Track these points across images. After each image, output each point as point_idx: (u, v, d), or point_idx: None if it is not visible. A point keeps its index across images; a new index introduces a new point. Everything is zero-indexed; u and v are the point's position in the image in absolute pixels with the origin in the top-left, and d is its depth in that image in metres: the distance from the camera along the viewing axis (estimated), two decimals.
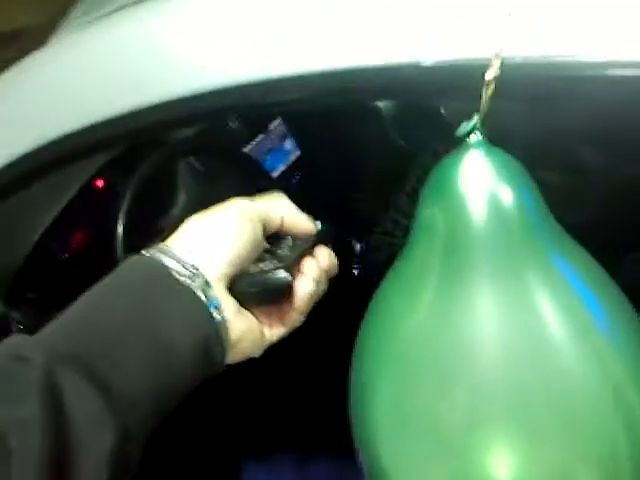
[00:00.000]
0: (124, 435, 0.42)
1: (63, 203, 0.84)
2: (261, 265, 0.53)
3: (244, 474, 0.94)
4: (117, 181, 0.88)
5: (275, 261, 0.53)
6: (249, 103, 0.58)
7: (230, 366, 0.52)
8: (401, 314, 0.52)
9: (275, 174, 1.02)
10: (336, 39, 0.51)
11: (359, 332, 0.56)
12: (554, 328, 0.48)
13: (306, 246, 0.56)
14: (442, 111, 0.76)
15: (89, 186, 0.89)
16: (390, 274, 0.55)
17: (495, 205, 0.48)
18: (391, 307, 0.53)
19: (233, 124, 0.98)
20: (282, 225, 0.56)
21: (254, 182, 0.97)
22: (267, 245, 0.56)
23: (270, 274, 0.51)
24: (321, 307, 0.56)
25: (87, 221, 0.92)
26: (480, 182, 0.48)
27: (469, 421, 0.48)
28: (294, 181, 1.04)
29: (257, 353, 0.53)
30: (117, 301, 0.47)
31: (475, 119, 0.47)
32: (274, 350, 0.55)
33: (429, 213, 0.50)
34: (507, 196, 0.48)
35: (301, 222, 0.57)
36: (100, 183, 0.91)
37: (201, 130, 0.93)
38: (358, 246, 1.00)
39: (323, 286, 0.56)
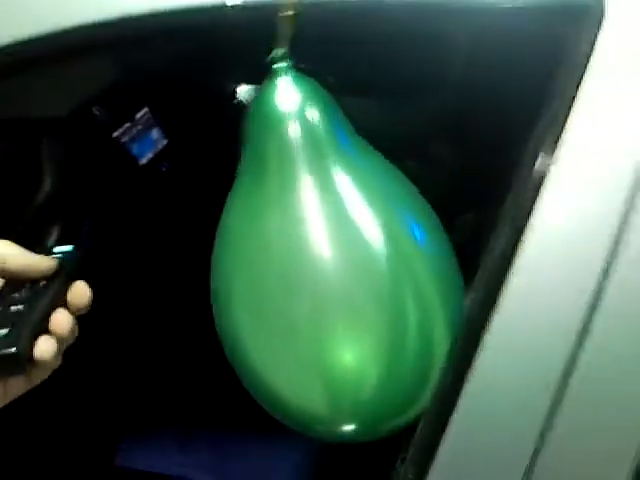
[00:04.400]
0: None
1: None
2: None
3: (122, 455, 0.99)
4: None
5: (7, 327, 0.49)
6: None
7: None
8: (242, 226, 0.65)
9: (142, 161, 1.11)
10: None
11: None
12: (362, 223, 0.62)
13: (50, 291, 0.52)
14: None
15: None
16: (232, 193, 0.66)
17: (303, 121, 0.61)
18: (235, 221, 0.66)
19: (98, 112, 1.06)
20: (9, 271, 0.52)
21: (120, 168, 1.05)
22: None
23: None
24: None
25: None
26: (289, 101, 0.61)
27: (311, 311, 0.62)
28: (163, 169, 1.13)
29: None
30: None
31: (279, 50, 0.58)
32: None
33: (252, 133, 0.62)
34: (312, 113, 0.61)
35: (32, 262, 0.52)
36: None
37: (65, 115, 1.01)
38: None
39: (75, 334, 0.53)
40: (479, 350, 0.60)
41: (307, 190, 0.62)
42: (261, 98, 0.61)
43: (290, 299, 0.63)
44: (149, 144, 1.12)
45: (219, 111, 1.08)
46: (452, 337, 0.65)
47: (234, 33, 0.65)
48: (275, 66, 0.60)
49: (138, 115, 1.10)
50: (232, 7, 0.59)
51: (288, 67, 0.60)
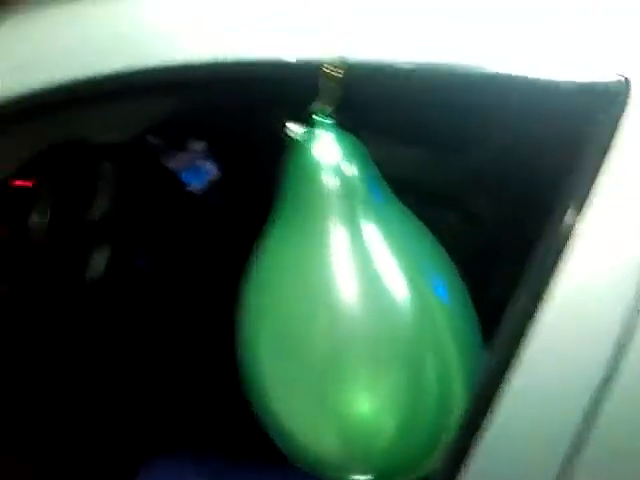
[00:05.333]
0: None
1: None
2: None
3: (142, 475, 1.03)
4: (38, 180, 1.02)
5: None
6: None
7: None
8: (271, 271, 0.69)
9: (191, 190, 1.17)
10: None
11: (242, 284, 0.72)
12: (390, 278, 0.65)
13: None
14: None
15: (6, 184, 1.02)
16: (265, 233, 0.71)
17: (339, 174, 0.65)
18: (266, 261, 0.70)
19: (152, 140, 1.13)
20: None
21: (169, 192, 1.12)
22: None
23: None
24: None
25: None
26: (327, 154, 0.65)
27: (332, 359, 0.66)
28: (215, 200, 1.19)
29: None
30: None
31: (318, 104, 0.63)
32: None
33: (288, 179, 0.67)
34: (348, 167, 0.65)
35: None
36: (20, 182, 1.04)
37: (123, 141, 1.09)
38: None
39: None
40: (495, 407, 0.61)
41: (337, 241, 0.65)
42: (300, 148, 0.65)
43: (312, 346, 0.66)
44: (201, 174, 1.18)
45: (271, 149, 1.13)
46: (469, 394, 0.66)
47: (287, 83, 0.71)
48: (315, 118, 0.65)
49: (192, 146, 1.16)
50: (284, 62, 0.64)
51: (328, 121, 0.65)
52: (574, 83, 0.61)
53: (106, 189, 1.05)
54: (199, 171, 1.17)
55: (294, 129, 0.68)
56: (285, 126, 0.68)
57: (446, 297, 0.68)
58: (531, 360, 0.60)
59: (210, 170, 1.18)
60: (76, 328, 1.00)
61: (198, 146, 1.16)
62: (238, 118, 1.02)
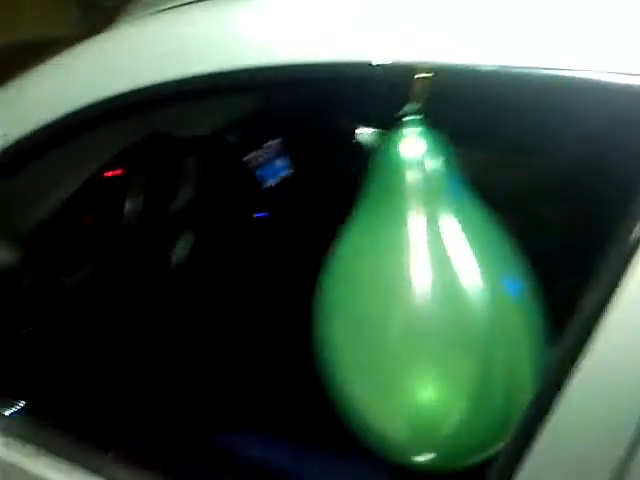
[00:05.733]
0: None
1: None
2: None
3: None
4: (131, 170, 1.11)
5: None
6: None
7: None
8: (353, 257, 0.75)
9: (265, 186, 1.25)
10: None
11: (322, 268, 0.77)
12: (465, 271, 0.70)
13: None
14: None
15: (99, 176, 1.11)
16: (347, 222, 0.76)
17: (424, 170, 0.70)
18: (346, 251, 0.76)
19: (232, 138, 1.22)
20: None
21: (243, 186, 1.20)
22: None
23: None
24: None
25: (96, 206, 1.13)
26: (414, 151, 0.71)
27: (404, 345, 0.71)
28: (282, 194, 1.27)
29: None
30: None
31: (410, 105, 0.70)
32: None
33: (375, 174, 0.72)
34: (433, 164, 0.70)
35: None
36: (111, 173, 1.13)
37: (207, 137, 1.17)
38: None
39: None
40: (561, 395, 0.64)
41: (417, 233, 0.70)
42: (390, 145, 0.71)
43: (387, 333, 0.71)
44: (274, 171, 1.26)
45: (343, 151, 1.20)
46: (536, 383, 0.70)
47: (374, 86, 0.76)
48: (405, 118, 0.71)
49: (269, 144, 1.24)
50: (376, 66, 0.71)
51: (417, 120, 0.71)
52: None
53: (191, 180, 1.14)
54: (272, 168, 1.25)
55: (364, 134, 0.74)
56: (355, 133, 0.74)
57: (518, 292, 0.72)
58: (599, 354, 0.63)
59: (283, 167, 1.26)
60: (162, 308, 1.07)
61: (274, 144, 1.24)
62: (317, 116, 1.09)
